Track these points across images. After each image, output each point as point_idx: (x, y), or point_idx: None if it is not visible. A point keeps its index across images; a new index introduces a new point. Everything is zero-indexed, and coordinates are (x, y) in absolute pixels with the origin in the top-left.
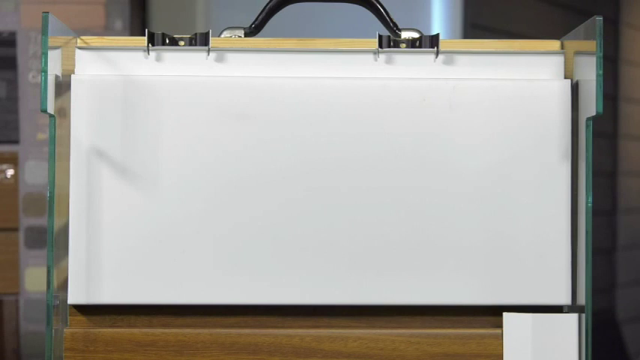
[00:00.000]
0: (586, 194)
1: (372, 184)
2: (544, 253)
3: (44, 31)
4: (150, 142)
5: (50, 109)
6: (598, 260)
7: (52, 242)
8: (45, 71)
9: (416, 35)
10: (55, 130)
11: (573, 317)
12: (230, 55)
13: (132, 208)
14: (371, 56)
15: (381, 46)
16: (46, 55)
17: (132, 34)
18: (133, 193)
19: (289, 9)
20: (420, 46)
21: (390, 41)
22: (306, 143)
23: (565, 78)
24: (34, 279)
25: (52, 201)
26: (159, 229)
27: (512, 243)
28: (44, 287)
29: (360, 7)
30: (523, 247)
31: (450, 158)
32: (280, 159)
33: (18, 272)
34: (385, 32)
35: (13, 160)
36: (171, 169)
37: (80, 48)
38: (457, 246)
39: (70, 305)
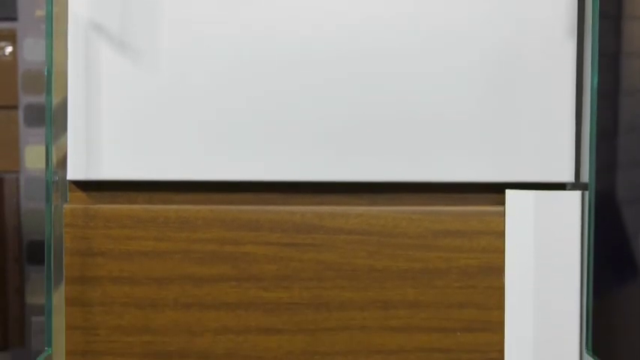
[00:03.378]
0: (591, 72)
1: (372, 59)
2: (548, 130)
3: None
4: (149, 16)
5: None
6: (600, 141)
7: (51, 119)
8: None
9: None
10: (52, 5)
11: (576, 195)
12: None
13: (131, 84)
14: None
15: None
16: None
17: None
18: (132, 68)
19: None
20: None
21: None
22: (305, 20)
23: None
24: (34, 157)
25: (50, 77)
26: (159, 104)
27: (516, 120)
28: (44, 165)
29: None
30: (527, 124)
31: (453, 31)
32: (282, 36)
33: (18, 150)
34: None
35: (11, 38)
36: (172, 43)
37: None
38: (459, 122)
39: (70, 181)
